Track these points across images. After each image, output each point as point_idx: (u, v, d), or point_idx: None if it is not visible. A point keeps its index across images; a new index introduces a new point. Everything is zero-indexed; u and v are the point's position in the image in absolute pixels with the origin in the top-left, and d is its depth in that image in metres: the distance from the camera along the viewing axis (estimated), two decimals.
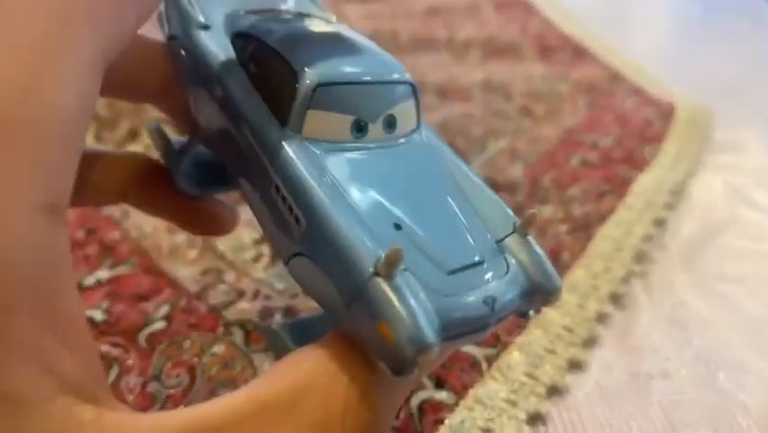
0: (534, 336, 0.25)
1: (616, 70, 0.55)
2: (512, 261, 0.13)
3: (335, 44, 0.16)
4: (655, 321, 0.28)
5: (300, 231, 0.13)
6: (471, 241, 0.14)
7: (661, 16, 0.84)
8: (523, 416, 0.22)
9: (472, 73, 0.53)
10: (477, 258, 0.13)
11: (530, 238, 0.14)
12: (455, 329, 0.12)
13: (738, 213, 0.37)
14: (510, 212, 0.14)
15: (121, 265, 0.28)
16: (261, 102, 0.15)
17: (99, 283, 0.27)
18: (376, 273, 0.11)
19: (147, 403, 0.22)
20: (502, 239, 0.14)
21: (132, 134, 0.39)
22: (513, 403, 0.22)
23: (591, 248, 0.31)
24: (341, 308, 0.12)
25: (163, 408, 0.22)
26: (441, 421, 0.21)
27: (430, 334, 0.11)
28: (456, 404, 0.22)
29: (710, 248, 0.33)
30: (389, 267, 0.11)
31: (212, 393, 0.22)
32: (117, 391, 0.22)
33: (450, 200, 0.14)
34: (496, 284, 0.13)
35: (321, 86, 0.14)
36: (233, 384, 0.23)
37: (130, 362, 0.23)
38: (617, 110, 0.47)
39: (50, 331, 0.10)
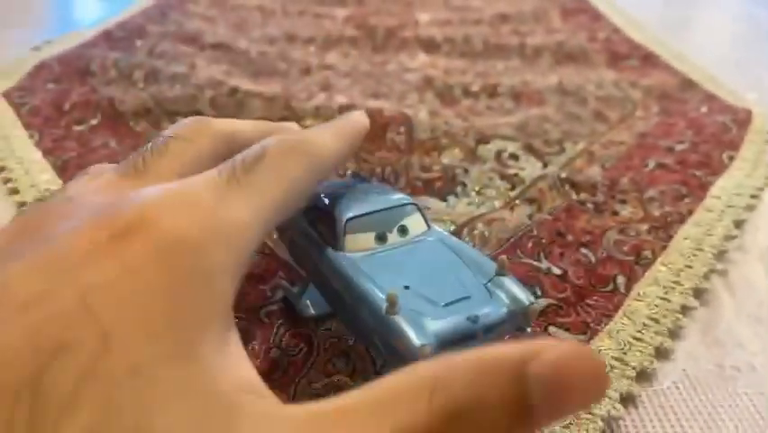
0: (622, 324, 0.27)
1: (687, 77, 0.56)
2: (495, 292, 0.20)
3: (363, 192, 0.24)
4: (739, 317, 0.29)
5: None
6: (462, 285, 0.20)
7: (729, 21, 0.83)
8: (616, 396, 0.24)
9: (545, 78, 0.55)
10: (465, 294, 0.20)
11: (504, 277, 0.20)
12: (450, 337, 0.18)
13: None
14: (492, 263, 0.21)
15: None
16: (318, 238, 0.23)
17: None
18: (387, 312, 0.18)
19: (270, 367, 0.24)
20: (488, 281, 0.20)
21: None
22: None
23: (672, 246, 0.32)
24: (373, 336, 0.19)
25: (286, 373, 0.24)
26: None
27: (418, 341, 0.17)
28: None
29: None
30: (391, 306, 0.18)
31: (329, 362, 0.25)
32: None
33: (447, 267, 0.21)
34: (478, 308, 0.19)
35: (349, 220, 0.22)
36: (346, 355, 0.25)
37: (254, 332, 0.26)
38: (690, 116, 0.48)
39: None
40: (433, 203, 0.36)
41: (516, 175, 0.39)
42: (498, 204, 0.36)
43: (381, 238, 0.22)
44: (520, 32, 0.68)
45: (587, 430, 0.22)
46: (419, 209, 0.23)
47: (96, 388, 0.11)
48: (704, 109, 0.49)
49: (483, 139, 0.43)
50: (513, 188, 0.38)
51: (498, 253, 0.31)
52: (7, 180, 0.37)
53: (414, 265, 0.21)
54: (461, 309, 0.19)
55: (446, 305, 0.19)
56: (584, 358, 0.12)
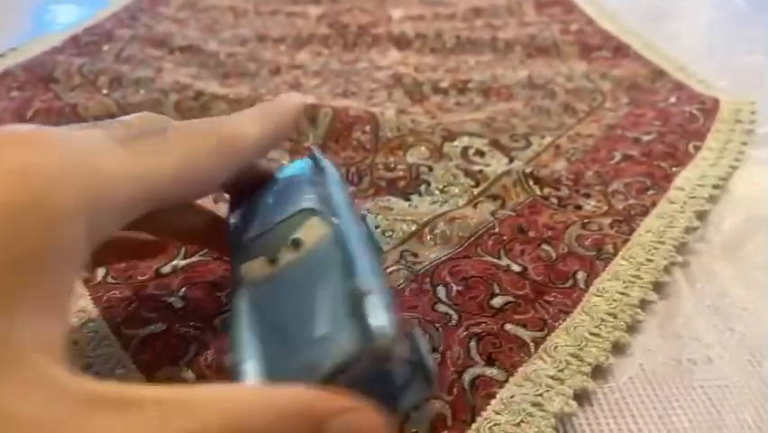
0: (580, 320, 0.27)
1: (658, 67, 0.56)
2: (356, 322, 0.16)
3: (266, 204, 0.23)
4: (698, 309, 0.29)
5: None
6: (324, 317, 0.17)
7: (707, 8, 0.83)
8: (570, 393, 0.23)
9: (515, 72, 0.54)
10: (323, 330, 0.16)
11: (367, 298, 0.16)
12: None
13: None
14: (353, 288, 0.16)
15: (196, 255, 0.31)
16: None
17: (175, 271, 0.30)
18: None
19: (224, 378, 0.24)
20: (352, 307, 0.16)
21: None
22: (560, 381, 0.24)
23: (634, 240, 0.32)
24: None
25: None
26: (492, 396, 0.23)
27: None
28: (506, 381, 0.24)
29: (753, 241, 0.34)
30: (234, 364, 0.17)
31: None
32: (196, 365, 0.25)
33: (323, 291, 0.17)
34: (327, 352, 0.16)
35: (238, 247, 0.21)
36: None
37: (207, 340, 0.26)
38: (659, 107, 0.48)
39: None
40: (395, 202, 0.35)
41: (480, 172, 0.38)
42: (461, 201, 0.36)
43: (272, 262, 0.20)
44: (493, 25, 0.67)
45: (539, 428, 0.22)
46: (314, 211, 0.20)
47: None
48: (673, 99, 0.49)
49: (450, 136, 0.43)
50: (477, 184, 0.37)
51: (459, 252, 0.31)
52: None
53: (292, 294, 0.18)
54: (309, 352, 0.16)
55: (296, 345, 0.16)
56: (369, 428, 0.14)
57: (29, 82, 0.50)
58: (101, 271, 0.30)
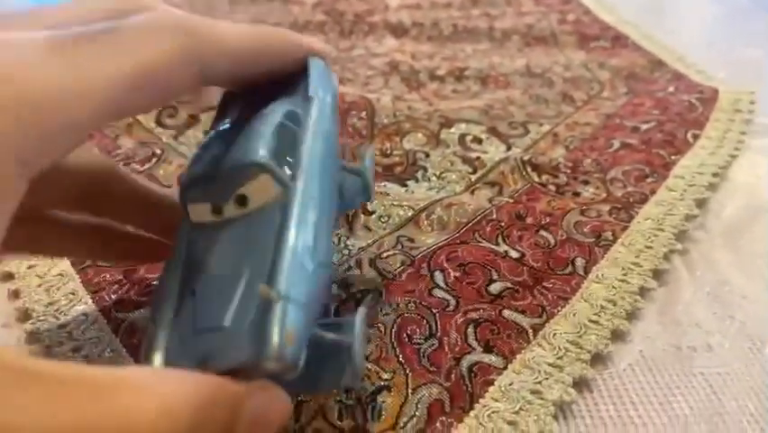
0: (579, 307, 0.26)
1: (656, 57, 0.55)
2: (260, 325, 0.15)
3: (225, 140, 0.19)
4: (697, 297, 0.29)
5: None
6: (231, 309, 0.16)
7: (704, 5, 0.83)
8: (569, 380, 0.23)
9: (513, 61, 0.54)
10: (222, 323, 0.15)
11: (277, 305, 0.15)
12: None
13: None
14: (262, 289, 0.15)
15: None
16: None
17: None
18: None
19: None
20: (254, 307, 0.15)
21: (192, 120, 0.42)
22: (559, 368, 0.23)
23: (633, 227, 0.32)
24: None
25: None
26: (491, 383, 0.23)
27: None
28: (504, 368, 0.23)
29: (753, 229, 0.34)
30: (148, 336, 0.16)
31: None
32: None
33: (249, 272, 0.16)
34: (220, 349, 0.15)
35: (187, 182, 0.18)
36: None
37: None
38: (657, 96, 0.48)
39: None
40: (391, 188, 0.35)
41: (478, 159, 0.38)
42: (458, 188, 0.35)
43: (217, 210, 0.18)
44: (490, 14, 0.67)
45: (538, 415, 0.22)
46: (267, 168, 0.17)
47: None
48: (671, 89, 0.48)
49: (447, 123, 0.42)
50: (474, 171, 0.37)
51: (456, 238, 0.31)
52: None
53: (222, 258, 0.17)
54: (205, 343, 0.15)
55: (198, 331, 0.16)
56: (279, 409, 0.15)
57: None
58: None
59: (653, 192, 0.35)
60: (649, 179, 0.36)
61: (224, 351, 0.15)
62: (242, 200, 0.17)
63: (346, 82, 0.50)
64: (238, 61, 0.18)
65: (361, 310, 0.19)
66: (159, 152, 0.38)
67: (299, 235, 0.16)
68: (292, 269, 0.15)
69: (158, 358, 0.16)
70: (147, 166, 0.37)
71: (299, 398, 0.22)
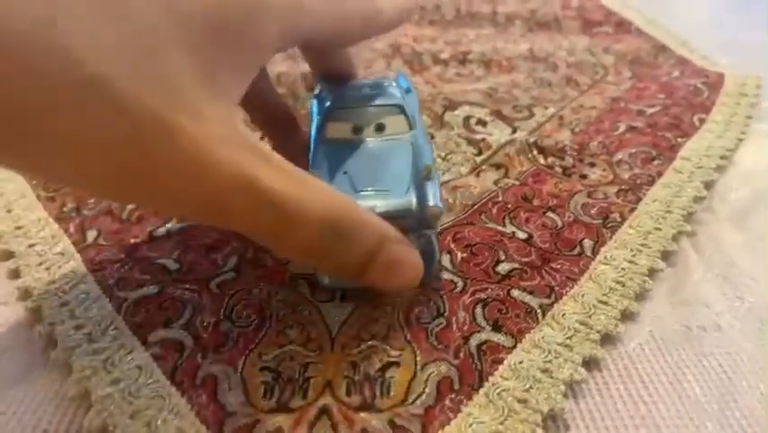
0: (587, 288, 0.26)
1: (660, 42, 0.55)
2: (413, 191, 0.22)
3: (364, 88, 0.27)
4: (706, 278, 0.28)
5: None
6: (391, 180, 0.23)
7: None
8: (579, 360, 0.23)
9: (516, 45, 0.53)
10: (385, 188, 0.22)
11: (429, 181, 0.23)
12: None
13: None
14: (426, 162, 0.23)
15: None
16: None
17: (169, 233, 0.29)
18: None
19: (219, 341, 0.23)
20: (414, 182, 0.23)
21: None
22: (569, 348, 0.23)
23: (641, 208, 0.31)
24: None
25: (235, 346, 0.23)
26: (500, 362, 0.22)
27: None
28: (513, 347, 0.23)
29: (759, 212, 0.33)
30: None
31: (281, 333, 0.23)
32: (192, 327, 0.24)
33: (393, 164, 0.24)
34: (385, 200, 0.22)
35: (331, 109, 0.25)
36: (300, 325, 0.24)
37: (203, 303, 0.25)
38: (662, 80, 0.47)
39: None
40: None
41: (483, 140, 0.38)
42: (464, 170, 0.35)
43: (357, 130, 0.25)
44: (492, 0, 0.66)
45: (548, 394, 0.21)
46: (403, 111, 0.25)
47: None
48: (676, 73, 0.48)
49: (451, 105, 0.42)
50: (480, 153, 0.36)
51: (462, 219, 0.30)
52: None
53: (368, 157, 0.24)
54: (370, 198, 0.22)
55: (361, 192, 0.22)
56: (409, 265, 0.21)
57: None
58: (92, 234, 0.29)
59: (659, 174, 0.34)
60: (656, 162, 0.36)
61: (389, 202, 0.22)
62: (381, 127, 0.25)
63: None
64: (387, 27, 0.25)
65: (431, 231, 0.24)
66: None
67: (428, 148, 0.25)
68: (433, 164, 0.23)
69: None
70: None
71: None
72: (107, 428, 0.20)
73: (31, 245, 0.28)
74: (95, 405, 0.20)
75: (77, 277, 0.26)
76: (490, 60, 0.50)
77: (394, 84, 0.28)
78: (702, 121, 0.41)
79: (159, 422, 0.20)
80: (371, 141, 0.25)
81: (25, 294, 0.26)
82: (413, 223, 0.22)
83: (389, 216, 0.21)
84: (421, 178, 0.23)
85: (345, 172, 0.23)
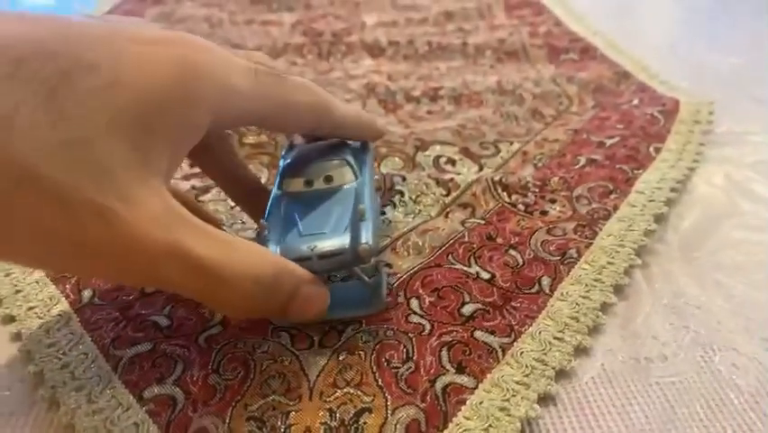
0: (544, 325, 0.29)
1: (623, 69, 0.58)
2: (349, 232, 0.26)
3: (315, 149, 0.31)
4: (655, 309, 0.31)
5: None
6: (330, 223, 0.26)
7: (669, 5, 0.86)
8: (534, 397, 0.25)
9: (485, 78, 0.56)
10: (323, 230, 0.26)
11: (363, 222, 0.26)
12: (290, 257, 0.25)
13: (738, 205, 0.39)
14: (361, 205, 0.26)
15: None
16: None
17: (160, 290, 0.31)
18: (257, 234, 0.26)
19: (208, 394, 0.25)
20: (350, 225, 0.26)
21: None
22: (526, 385, 0.26)
23: (596, 244, 0.34)
24: None
25: (223, 398, 0.25)
26: (463, 402, 0.25)
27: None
28: (476, 387, 0.25)
29: (710, 239, 0.36)
30: (259, 233, 0.26)
31: (264, 384, 0.26)
32: (183, 383, 0.26)
33: (335, 209, 0.27)
34: (323, 241, 0.25)
35: (287, 166, 0.30)
36: (282, 375, 0.26)
37: (192, 358, 0.27)
38: (622, 109, 0.50)
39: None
40: None
41: (451, 180, 0.40)
42: (433, 212, 0.37)
43: (308, 183, 0.29)
44: (464, 29, 0.69)
45: (505, 431, 0.24)
46: (349, 164, 0.29)
47: None
48: (635, 101, 0.51)
49: (422, 146, 0.44)
50: (448, 193, 0.39)
51: (431, 261, 0.33)
52: None
53: (315, 205, 0.28)
54: (311, 239, 0.25)
55: (304, 235, 0.26)
56: (319, 300, 0.25)
57: None
58: (87, 294, 0.31)
59: (615, 208, 0.37)
60: (612, 195, 0.38)
61: (326, 243, 0.25)
62: (329, 179, 0.29)
63: None
64: (340, 128, 0.29)
65: (381, 264, 0.31)
66: None
67: (372, 197, 0.28)
68: (371, 209, 0.27)
69: (272, 247, 0.25)
70: None
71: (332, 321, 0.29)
72: None
73: (30, 308, 0.30)
74: None
75: (75, 338, 0.28)
76: (460, 96, 0.53)
77: (342, 143, 0.31)
78: (658, 150, 0.43)
79: None
80: (320, 191, 0.28)
81: (27, 357, 0.28)
82: (349, 258, 0.25)
83: (328, 255, 0.25)
84: (356, 219, 0.26)
85: (295, 219, 0.27)
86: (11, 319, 0.30)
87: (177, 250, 0.19)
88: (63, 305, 0.30)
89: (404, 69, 0.59)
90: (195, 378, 0.26)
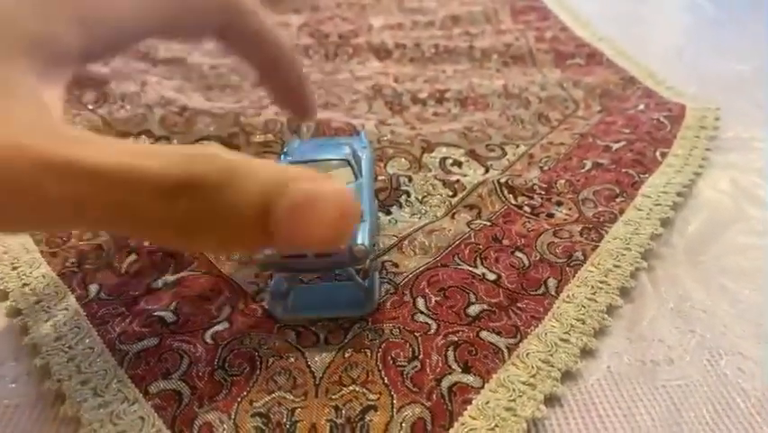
0: (550, 326, 0.29)
1: (629, 74, 0.58)
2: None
3: (318, 146, 0.33)
4: (661, 313, 0.31)
5: None
6: None
7: (676, 12, 0.86)
8: (541, 397, 0.25)
9: (491, 81, 0.56)
10: None
11: (360, 223, 0.26)
12: (288, 255, 0.26)
13: (744, 210, 0.39)
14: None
15: (185, 270, 0.32)
16: None
17: (166, 286, 0.31)
18: None
19: (214, 389, 0.25)
20: None
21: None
22: (532, 386, 0.26)
23: (602, 246, 0.34)
24: None
25: (228, 394, 0.25)
26: (469, 402, 0.25)
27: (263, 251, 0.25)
28: (482, 387, 0.25)
29: (715, 244, 0.36)
30: None
31: (270, 380, 0.26)
32: (189, 378, 0.26)
33: None
34: None
35: (289, 164, 0.29)
36: (287, 372, 0.26)
37: (198, 354, 0.27)
38: (629, 113, 0.50)
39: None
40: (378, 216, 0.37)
41: (457, 181, 0.40)
42: (440, 212, 0.37)
43: None
44: (470, 33, 0.69)
45: (511, 431, 0.24)
46: (350, 164, 0.30)
47: None
48: (641, 106, 0.51)
49: (429, 147, 0.44)
50: (455, 194, 0.39)
51: (437, 262, 0.33)
52: None
53: None
54: None
55: None
56: (327, 201, 0.15)
57: None
58: (94, 288, 0.31)
59: (621, 212, 0.37)
60: (618, 199, 0.38)
61: None
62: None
63: (331, 107, 0.52)
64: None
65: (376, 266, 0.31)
66: None
67: (370, 198, 0.29)
68: (369, 211, 0.27)
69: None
70: None
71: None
72: None
73: (37, 302, 0.30)
74: None
75: (81, 332, 0.28)
76: (466, 98, 0.53)
77: (343, 142, 0.32)
78: (664, 155, 0.43)
79: None
80: None
81: (33, 350, 0.28)
82: (344, 258, 0.26)
83: (325, 254, 0.25)
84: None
85: None
86: (17, 313, 0.30)
87: (60, 159, 0.15)
88: (70, 299, 0.30)
89: (410, 72, 0.59)
90: (201, 373, 0.26)
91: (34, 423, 0.25)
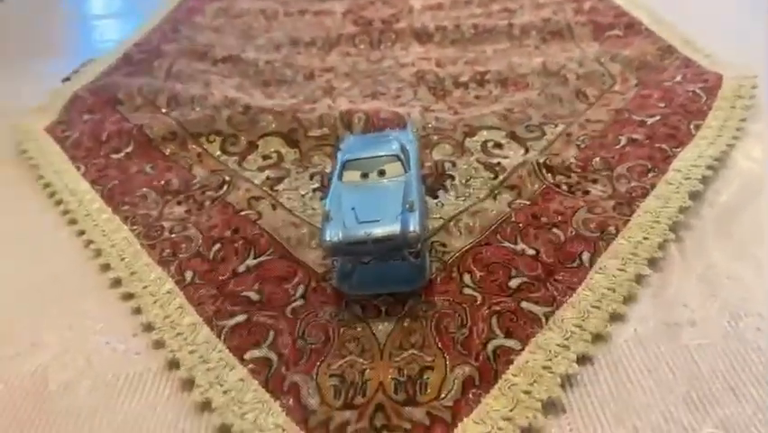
0: (584, 295, 0.32)
1: (666, 43, 0.59)
2: (399, 220, 0.30)
3: (370, 143, 0.38)
4: (688, 279, 0.34)
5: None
6: (385, 211, 0.31)
7: None
8: (573, 357, 0.29)
9: (530, 59, 0.59)
10: (378, 217, 0.31)
11: (412, 212, 0.31)
12: (348, 240, 0.30)
13: None
14: (410, 198, 0.32)
15: (263, 255, 0.37)
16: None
17: (248, 270, 0.36)
18: (323, 219, 0.32)
19: (297, 356, 0.31)
20: (401, 213, 0.31)
21: (251, 146, 0.49)
22: (566, 348, 0.30)
23: (633, 220, 0.37)
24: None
25: (309, 359, 0.31)
26: (510, 362, 0.29)
27: (327, 237, 0.31)
28: (522, 349, 0.30)
29: (746, 212, 0.38)
30: (326, 216, 0.32)
31: (342, 347, 0.31)
32: (275, 347, 0.31)
33: (388, 199, 0.32)
34: (377, 228, 0.30)
35: (346, 160, 0.35)
36: (356, 339, 0.31)
37: (281, 327, 0.32)
38: (665, 86, 0.52)
39: None
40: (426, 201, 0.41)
41: (498, 164, 0.44)
42: (482, 194, 0.41)
43: (365, 176, 0.34)
44: (509, 9, 0.71)
45: (548, 386, 0.28)
46: (399, 159, 0.34)
47: None
48: (678, 78, 0.52)
49: (471, 132, 0.48)
50: (496, 176, 0.43)
51: (480, 240, 0.37)
52: (66, 212, 0.44)
53: (370, 195, 0.33)
54: (368, 226, 0.30)
55: (361, 222, 0.30)
56: None
57: (97, 105, 0.57)
58: (189, 274, 0.37)
59: (653, 186, 0.40)
60: (650, 174, 0.41)
61: (380, 229, 0.30)
62: (382, 172, 0.34)
63: (379, 96, 0.56)
64: None
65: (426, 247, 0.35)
66: (227, 178, 0.46)
67: (418, 188, 0.34)
68: (418, 200, 0.32)
69: (335, 230, 0.31)
70: (220, 193, 0.44)
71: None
72: (226, 425, 0.28)
73: (144, 287, 0.36)
74: (216, 409, 0.28)
75: (184, 311, 0.34)
76: (506, 79, 0.56)
77: (392, 137, 0.38)
78: (698, 127, 0.45)
79: (261, 421, 0.27)
80: (374, 183, 0.33)
81: (148, 327, 0.34)
82: (399, 243, 0.30)
83: (381, 240, 0.29)
84: (407, 209, 0.31)
85: (353, 207, 0.31)
86: (130, 296, 0.36)
87: None
88: (170, 284, 0.36)
89: (451, 55, 0.62)
90: (285, 343, 0.32)
91: (159, 385, 0.31)
